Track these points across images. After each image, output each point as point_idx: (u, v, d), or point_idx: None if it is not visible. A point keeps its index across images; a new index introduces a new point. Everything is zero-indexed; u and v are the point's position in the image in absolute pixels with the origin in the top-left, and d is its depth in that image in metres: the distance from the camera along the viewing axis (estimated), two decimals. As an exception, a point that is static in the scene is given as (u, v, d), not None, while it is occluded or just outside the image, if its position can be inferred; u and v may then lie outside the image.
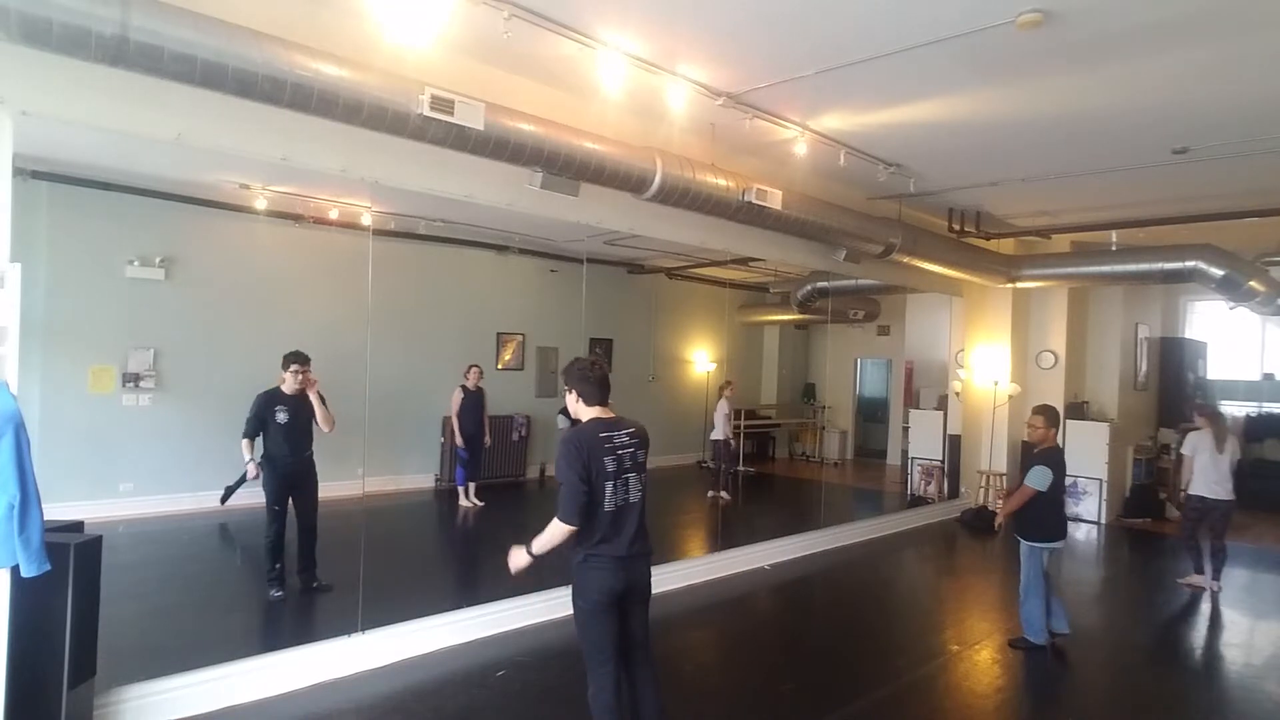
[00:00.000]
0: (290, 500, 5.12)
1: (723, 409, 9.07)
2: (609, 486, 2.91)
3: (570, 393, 3.07)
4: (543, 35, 3.98)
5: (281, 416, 4.99)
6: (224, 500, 6.46)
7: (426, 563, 6.58)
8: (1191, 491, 6.28)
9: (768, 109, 5.14)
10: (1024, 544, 4.90)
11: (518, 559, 3.00)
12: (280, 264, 7.37)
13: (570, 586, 3.00)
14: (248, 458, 4.94)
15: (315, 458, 5.25)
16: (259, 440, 5.02)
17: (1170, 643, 5.41)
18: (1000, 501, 9.18)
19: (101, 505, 5.76)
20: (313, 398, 5.09)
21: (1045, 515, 4.82)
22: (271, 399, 5.01)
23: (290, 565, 5.14)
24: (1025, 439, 5.51)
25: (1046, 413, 4.95)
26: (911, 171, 6.52)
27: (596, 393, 3.03)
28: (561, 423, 7.18)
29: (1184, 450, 6.38)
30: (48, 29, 2.76)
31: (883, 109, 5.08)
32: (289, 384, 5.05)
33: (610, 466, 2.91)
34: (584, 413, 3.06)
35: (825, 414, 12.70)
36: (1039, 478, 4.72)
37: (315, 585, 5.13)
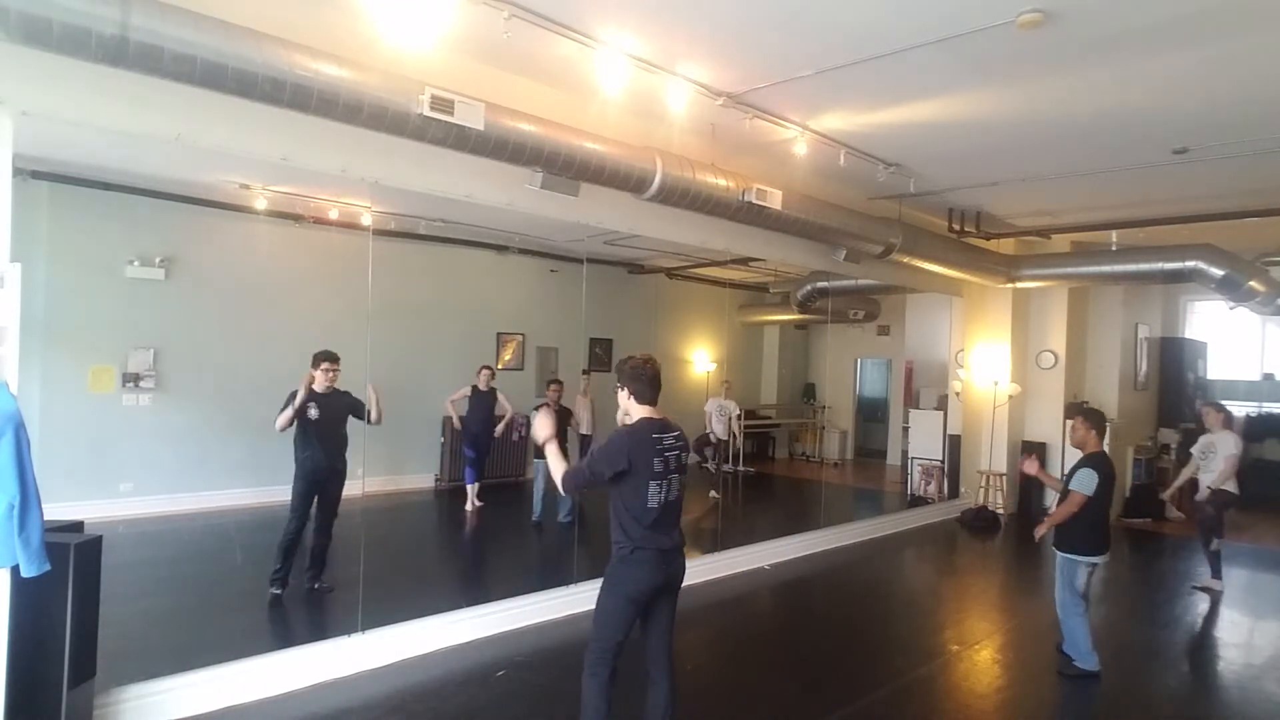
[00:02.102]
0: (315, 500, 5.13)
1: (729, 408, 9.03)
2: (654, 485, 2.99)
3: (622, 390, 3.14)
4: (543, 35, 3.97)
5: (313, 413, 5.00)
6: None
7: (426, 563, 6.58)
8: (1226, 487, 6.22)
9: (768, 109, 5.14)
10: (1060, 556, 4.50)
11: (544, 429, 3.15)
12: (280, 264, 7.38)
13: (604, 576, 3.07)
14: (290, 414, 4.91)
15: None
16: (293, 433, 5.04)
17: (1170, 643, 5.40)
18: (1002, 497, 9.18)
19: (101, 505, 5.77)
20: (371, 396, 5.08)
21: (1087, 526, 4.42)
22: (305, 395, 5.01)
23: (297, 563, 5.13)
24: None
25: (1084, 413, 4.63)
26: (911, 171, 6.52)
27: (648, 391, 3.11)
28: (535, 418, 7.20)
29: (1234, 450, 6.23)
30: (48, 29, 2.76)
31: (883, 109, 5.08)
32: (319, 382, 5.05)
33: (658, 467, 3.00)
34: (635, 410, 3.13)
35: (825, 414, 12.70)
36: (1085, 481, 4.37)
37: (318, 586, 5.13)
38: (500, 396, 7.66)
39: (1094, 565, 4.52)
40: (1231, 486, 6.24)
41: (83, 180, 5.73)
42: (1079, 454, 4.61)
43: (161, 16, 2.98)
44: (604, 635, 3.00)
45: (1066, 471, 4.62)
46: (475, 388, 7.63)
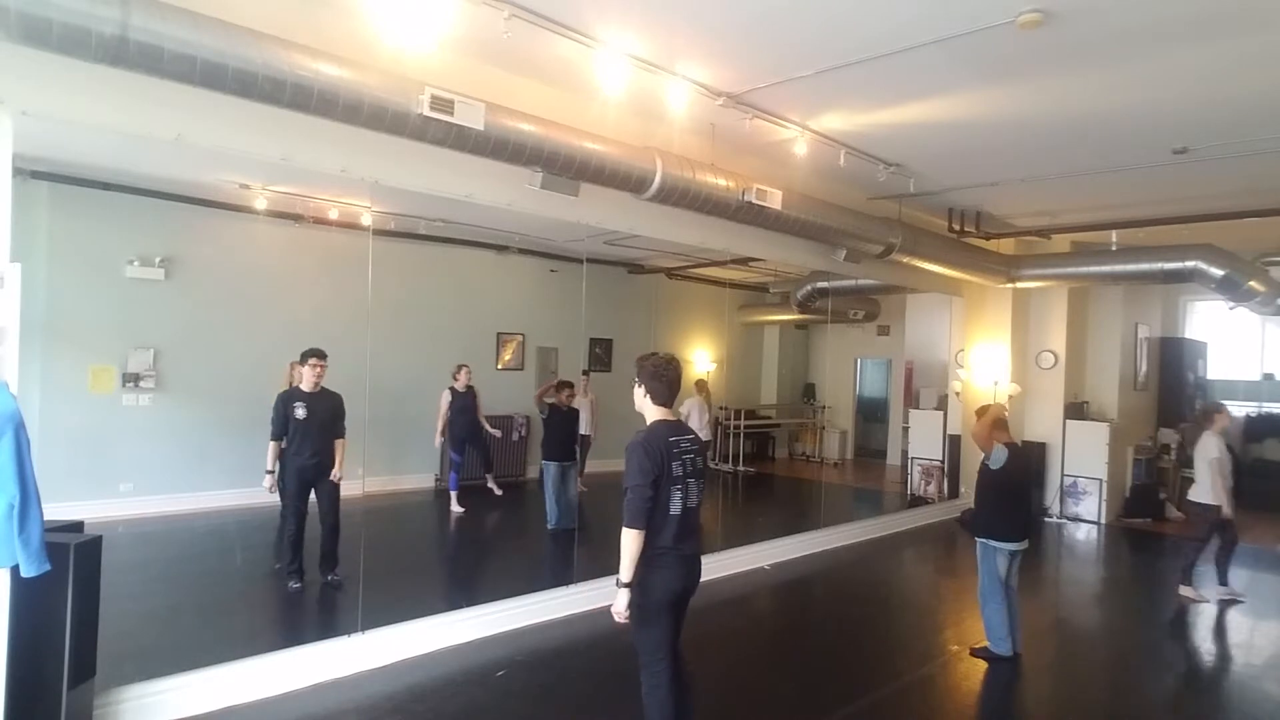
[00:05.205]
0: (313, 496, 5.16)
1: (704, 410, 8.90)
2: (676, 490, 2.93)
3: (639, 387, 3.08)
4: (543, 35, 3.98)
5: (300, 412, 5.04)
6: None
7: (427, 563, 6.58)
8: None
9: (768, 109, 5.14)
10: (979, 543, 4.68)
11: (620, 600, 2.90)
12: (280, 264, 7.37)
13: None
14: (269, 467, 4.99)
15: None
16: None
17: (1170, 643, 5.40)
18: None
19: (101, 505, 5.75)
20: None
21: (1001, 511, 4.59)
22: (290, 396, 5.07)
23: (308, 558, 5.17)
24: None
25: (979, 412, 4.88)
26: (911, 171, 6.52)
27: (665, 392, 3.06)
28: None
29: (1213, 454, 5.99)
30: (48, 29, 2.76)
31: (883, 109, 5.08)
32: (306, 380, 5.10)
33: (677, 471, 2.95)
34: (650, 411, 3.07)
35: (825, 414, 12.70)
36: (997, 454, 4.58)
37: (330, 579, 5.12)
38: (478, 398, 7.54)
39: (1012, 553, 4.59)
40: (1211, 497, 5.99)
41: (83, 180, 5.72)
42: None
43: (161, 16, 2.98)
44: (648, 642, 2.97)
45: None
46: (453, 389, 7.39)
